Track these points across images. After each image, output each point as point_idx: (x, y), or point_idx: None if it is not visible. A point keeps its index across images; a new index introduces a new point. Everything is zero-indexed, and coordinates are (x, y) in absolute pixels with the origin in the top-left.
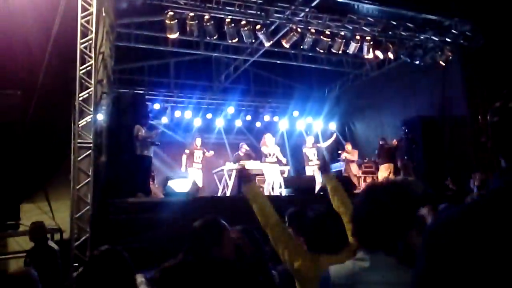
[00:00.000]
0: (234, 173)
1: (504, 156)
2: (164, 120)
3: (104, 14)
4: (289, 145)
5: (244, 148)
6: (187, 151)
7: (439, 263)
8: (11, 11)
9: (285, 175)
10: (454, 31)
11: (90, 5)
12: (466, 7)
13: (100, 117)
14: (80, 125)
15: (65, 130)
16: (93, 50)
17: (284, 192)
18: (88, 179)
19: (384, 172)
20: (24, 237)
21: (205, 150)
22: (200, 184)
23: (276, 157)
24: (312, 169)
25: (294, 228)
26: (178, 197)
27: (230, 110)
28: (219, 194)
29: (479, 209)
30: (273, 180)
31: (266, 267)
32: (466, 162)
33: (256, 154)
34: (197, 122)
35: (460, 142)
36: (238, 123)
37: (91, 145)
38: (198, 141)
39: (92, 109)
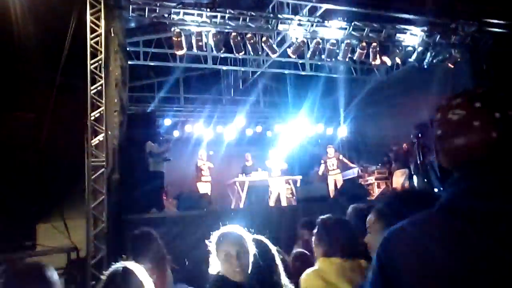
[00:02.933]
0: (246, 185)
1: (455, 166)
2: (176, 134)
3: (113, 35)
4: (300, 154)
5: (249, 158)
6: (196, 165)
7: (383, 272)
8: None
9: (298, 184)
10: (460, 33)
11: (98, 26)
12: (472, 9)
13: (112, 135)
14: (93, 144)
15: (78, 150)
16: (103, 70)
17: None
18: (103, 197)
19: (399, 177)
20: (42, 258)
21: (210, 163)
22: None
23: (281, 169)
24: (333, 178)
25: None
26: (190, 211)
27: (241, 121)
28: (232, 206)
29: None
30: (279, 191)
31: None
32: None
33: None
34: (208, 135)
35: None
36: (249, 133)
37: (104, 163)
38: (203, 154)
39: (104, 128)
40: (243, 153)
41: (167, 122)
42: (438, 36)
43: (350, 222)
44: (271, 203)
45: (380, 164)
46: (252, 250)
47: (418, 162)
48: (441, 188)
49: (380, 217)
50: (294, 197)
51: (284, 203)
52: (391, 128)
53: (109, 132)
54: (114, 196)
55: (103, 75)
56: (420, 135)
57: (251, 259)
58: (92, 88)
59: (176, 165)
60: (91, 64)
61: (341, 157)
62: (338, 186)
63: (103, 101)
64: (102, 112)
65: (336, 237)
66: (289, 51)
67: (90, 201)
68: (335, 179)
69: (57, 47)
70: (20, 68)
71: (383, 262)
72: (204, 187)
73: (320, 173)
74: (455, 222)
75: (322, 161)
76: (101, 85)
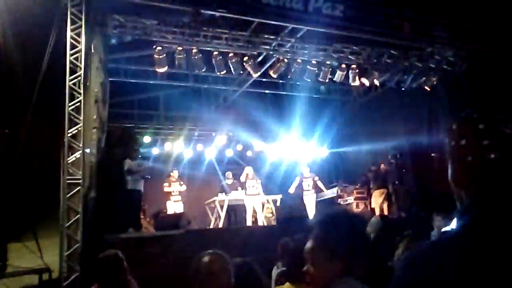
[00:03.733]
0: (226, 204)
1: (469, 190)
2: (155, 151)
3: (93, 51)
4: (280, 173)
5: (230, 177)
6: (166, 184)
7: None
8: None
9: (278, 204)
10: (437, 57)
11: (78, 42)
12: (448, 34)
13: (90, 152)
14: (69, 161)
15: (53, 168)
16: (82, 86)
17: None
18: (78, 216)
19: (377, 197)
20: (12, 279)
21: (182, 183)
22: None
23: (256, 188)
24: (307, 198)
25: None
26: (169, 231)
27: (221, 140)
28: (211, 226)
29: (451, 246)
30: (255, 210)
31: None
32: None
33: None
34: (188, 154)
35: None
36: (229, 153)
37: (80, 181)
38: (175, 174)
39: (81, 145)
40: (224, 172)
41: (147, 139)
42: (415, 60)
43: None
44: (248, 222)
45: (359, 184)
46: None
47: (396, 182)
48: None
49: (321, 245)
50: (274, 217)
51: (261, 222)
52: (370, 148)
53: (87, 149)
54: (90, 215)
55: (82, 92)
56: (398, 156)
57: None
58: (70, 104)
59: (154, 184)
60: (70, 80)
61: (316, 178)
62: (312, 207)
63: (81, 118)
64: (80, 129)
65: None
66: (271, 71)
67: (65, 220)
68: (309, 199)
69: (35, 63)
70: None
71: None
72: (173, 206)
73: (291, 190)
74: (477, 248)
75: (298, 179)
76: (79, 101)
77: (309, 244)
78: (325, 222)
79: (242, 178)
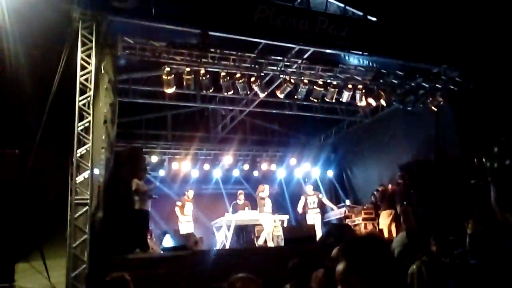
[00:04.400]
0: (233, 224)
1: None
2: (162, 172)
3: (103, 72)
4: (287, 194)
5: (242, 196)
6: (178, 203)
7: None
8: (10, 70)
9: (285, 224)
10: (443, 77)
11: (88, 63)
12: (454, 54)
13: (98, 172)
14: (77, 181)
15: (61, 188)
16: (91, 106)
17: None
18: (85, 236)
19: (385, 219)
20: None
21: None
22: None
23: (271, 206)
24: (312, 217)
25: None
26: (176, 251)
27: (228, 160)
28: (218, 247)
29: (506, 265)
30: (269, 229)
31: None
32: (465, 205)
33: (252, 203)
34: (195, 174)
35: (457, 184)
36: (236, 172)
37: (88, 201)
38: (190, 193)
39: (89, 165)
40: (231, 192)
41: (154, 159)
42: (421, 80)
43: None
44: (260, 241)
45: (366, 205)
46: None
47: (405, 203)
48: (428, 230)
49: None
50: (281, 238)
51: (270, 243)
52: (377, 169)
53: (95, 170)
54: (97, 236)
55: (91, 112)
56: (406, 176)
57: None
58: (79, 124)
59: (161, 204)
60: (80, 101)
61: (320, 196)
62: (317, 226)
63: (90, 138)
64: (88, 148)
65: None
66: (277, 91)
67: (72, 240)
68: (314, 218)
69: (45, 84)
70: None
71: None
72: (185, 226)
73: (299, 209)
74: None
75: (303, 197)
76: (88, 121)
77: (341, 266)
78: (358, 246)
79: (263, 194)
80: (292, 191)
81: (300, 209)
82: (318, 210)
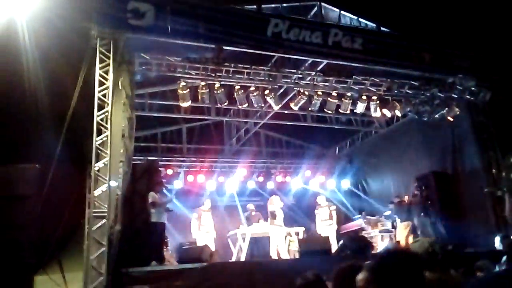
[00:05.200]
0: (248, 237)
1: None
2: (178, 185)
3: (120, 87)
4: (302, 206)
5: (251, 209)
6: (195, 214)
7: None
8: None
9: (300, 236)
10: (459, 87)
11: (106, 79)
12: (470, 64)
13: (115, 185)
14: (95, 195)
15: (79, 201)
16: (109, 121)
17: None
18: (103, 248)
19: (403, 230)
20: None
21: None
22: (212, 248)
23: (282, 219)
24: (327, 229)
25: None
26: (192, 264)
27: (242, 172)
28: (233, 259)
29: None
30: (279, 242)
31: None
32: (484, 217)
33: (266, 215)
34: (210, 186)
35: (476, 195)
36: (251, 184)
37: (105, 214)
38: (207, 203)
39: (107, 178)
40: (245, 204)
41: (169, 172)
42: (437, 90)
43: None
44: (272, 254)
45: (383, 216)
46: None
47: (422, 215)
48: (445, 242)
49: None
50: (296, 250)
51: (283, 254)
52: (393, 180)
53: (112, 183)
54: (115, 248)
55: (109, 127)
56: (423, 187)
57: None
58: (97, 139)
59: (177, 216)
60: (98, 116)
61: (332, 208)
62: (331, 238)
63: (108, 152)
64: (106, 162)
65: None
66: (291, 103)
67: (89, 253)
68: (329, 230)
69: (64, 100)
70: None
71: None
72: (203, 237)
73: (317, 225)
74: None
75: (316, 211)
76: (106, 136)
77: (364, 275)
78: (384, 258)
79: (271, 208)
80: (307, 203)
81: (318, 227)
82: (330, 222)
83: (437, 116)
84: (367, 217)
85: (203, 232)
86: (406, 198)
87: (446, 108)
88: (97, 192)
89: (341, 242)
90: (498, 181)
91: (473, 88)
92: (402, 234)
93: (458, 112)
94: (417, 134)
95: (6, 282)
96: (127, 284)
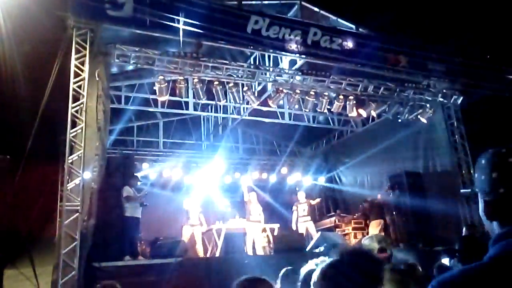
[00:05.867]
0: (223, 232)
1: (501, 222)
2: (153, 178)
3: (97, 79)
4: (278, 202)
5: (227, 205)
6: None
7: None
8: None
9: (275, 233)
10: (432, 90)
11: (82, 70)
12: (443, 68)
13: (89, 179)
14: (68, 188)
15: (51, 194)
16: (83, 113)
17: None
18: (75, 242)
19: (374, 228)
20: None
21: (201, 208)
22: (199, 242)
23: (259, 214)
24: (304, 225)
25: None
26: (166, 259)
27: (219, 167)
28: (208, 255)
29: (483, 275)
30: (255, 238)
31: None
32: (452, 216)
33: (242, 211)
34: (186, 181)
35: (446, 195)
36: (227, 180)
37: (78, 207)
38: (195, 198)
39: (81, 172)
40: (221, 200)
41: (145, 166)
42: (412, 92)
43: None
44: (248, 251)
45: (356, 214)
46: None
47: (394, 213)
48: (416, 240)
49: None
50: (271, 246)
51: (259, 251)
52: (366, 178)
53: (86, 176)
54: (87, 242)
55: (84, 119)
56: (396, 186)
57: None
58: (71, 131)
59: (152, 211)
60: (73, 108)
61: (312, 202)
62: (311, 234)
63: (82, 144)
64: (80, 155)
65: None
66: (269, 101)
67: (62, 246)
68: (306, 226)
69: (38, 90)
70: None
71: None
72: (187, 231)
73: (293, 222)
74: (507, 276)
75: (294, 208)
76: (81, 128)
77: (316, 277)
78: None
79: (246, 198)
80: (282, 200)
81: (294, 225)
82: (309, 218)
83: (411, 117)
84: (341, 214)
85: (188, 226)
86: (379, 196)
87: (420, 110)
88: (70, 185)
89: (315, 239)
90: (467, 182)
91: (446, 91)
92: (374, 231)
93: (431, 114)
94: (391, 135)
95: None
96: (100, 279)
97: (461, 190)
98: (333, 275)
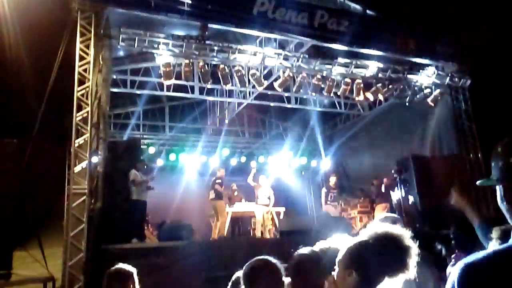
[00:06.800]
0: (229, 215)
1: None
2: (160, 163)
3: (101, 62)
4: (283, 186)
5: (234, 188)
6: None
7: None
8: (9, 60)
9: (281, 216)
10: (440, 73)
11: (87, 54)
12: (451, 50)
13: (96, 162)
14: (75, 171)
15: (59, 177)
16: (89, 97)
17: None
18: (82, 225)
19: (380, 211)
20: (17, 287)
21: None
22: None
23: (269, 198)
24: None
25: None
26: (172, 241)
27: (225, 151)
28: (215, 237)
29: (502, 257)
30: (262, 222)
31: None
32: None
33: (248, 194)
34: (192, 165)
35: (453, 179)
36: (233, 163)
37: (85, 191)
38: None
39: (87, 155)
40: (227, 183)
41: (151, 150)
42: (419, 75)
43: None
44: (257, 233)
45: (362, 198)
46: None
47: (400, 197)
48: (422, 223)
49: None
50: (276, 229)
51: (266, 234)
52: (372, 162)
53: (93, 159)
54: (95, 225)
55: (89, 102)
56: (402, 170)
57: None
58: (77, 115)
59: (159, 194)
60: (78, 91)
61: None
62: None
63: (88, 128)
64: (86, 139)
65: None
66: (275, 84)
67: (69, 229)
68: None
69: (44, 74)
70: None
71: None
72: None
73: (323, 207)
74: None
75: (325, 190)
76: (87, 112)
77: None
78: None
79: (253, 183)
80: (288, 183)
81: (324, 207)
82: (336, 204)
83: (418, 100)
84: (346, 198)
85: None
86: (385, 180)
87: (428, 93)
88: (77, 169)
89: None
90: (475, 166)
91: (454, 74)
92: (380, 215)
93: (439, 98)
94: (398, 118)
95: None
96: (107, 261)
97: (477, 182)
98: (359, 256)
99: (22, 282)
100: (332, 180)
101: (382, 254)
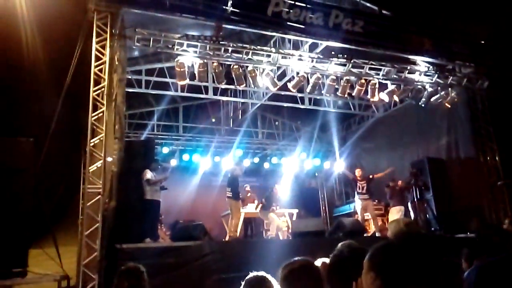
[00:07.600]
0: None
1: None
2: (173, 163)
3: (117, 63)
4: (296, 186)
5: (248, 189)
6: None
7: None
8: (26, 60)
9: (294, 218)
10: (458, 74)
11: (103, 54)
12: (468, 51)
13: (111, 162)
14: (90, 170)
15: (74, 176)
16: (105, 97)
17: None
18: (97, 224)
19: (395, 214)
20: (32, 285)
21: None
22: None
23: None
24: (364, 203)
25: None
26: (185, 241)
27: (238, 152)
28: (227, 238)
29: None
30: (277, 224)
31: None
32: (477, 203)
33: (261, 196)
34: (206, 165)
35: (469, 182)
36: (246, 164)
37: (100, 190)
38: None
39: (102, 155)
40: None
41: (165, 150)
42: (436, 76)
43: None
44: (272, 234)
45: (376, 200)
46: None
47: (415, 200)
48: (437, 227)
49: (380, 274)
50: (289, 231)
51: (281, 236)
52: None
53: (108, 159)
54: (109, 224)
55: (105, 103)
56: (418, 173)
57: None
58: (93, 114)
59: (172, 194)
60: (94, 91)
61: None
62: (369, 213)
63: (103, 128)
64: (102, 138)
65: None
66: (289, 85)
67: (84, 228)
68: (366, 204)
69: (60, 73)
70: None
71: None
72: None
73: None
74: None
75: (352, 181)
76: (102, 112)
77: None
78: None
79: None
80: (301, 184)
81: (356, 195)
82: (368, 195)
83: (434, 102)
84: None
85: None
86: (400, 183)
87: (444, 95)
88: (92, 168)
89: (334, 224)
90: (492, 170)
91: (471, 76)
92: (394, 218)
93: (455, 99)
94: (414, 120)
95: (1, 255)
96: (121, 260)
97: (499, 183)
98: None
99: (37, 280)
100: (358, 172)
101: (409, 261)
